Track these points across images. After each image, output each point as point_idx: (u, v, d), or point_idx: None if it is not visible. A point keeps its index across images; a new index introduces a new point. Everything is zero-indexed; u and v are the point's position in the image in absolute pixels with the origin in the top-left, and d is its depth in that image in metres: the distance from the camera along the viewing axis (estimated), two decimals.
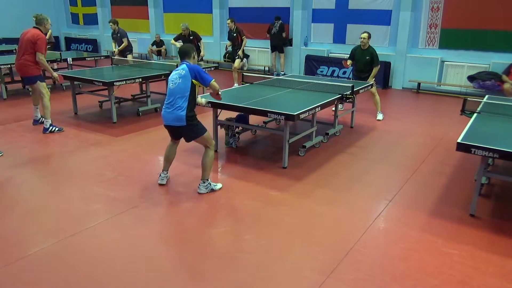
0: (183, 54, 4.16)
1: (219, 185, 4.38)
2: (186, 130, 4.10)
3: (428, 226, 3.65)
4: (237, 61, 9.90)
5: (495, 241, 3.43)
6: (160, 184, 4.45)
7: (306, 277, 2.92)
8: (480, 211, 3.90)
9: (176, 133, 4.26)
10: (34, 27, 6.07)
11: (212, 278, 2.90)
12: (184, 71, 4.00)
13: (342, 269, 3.01)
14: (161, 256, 3.16)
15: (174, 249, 3.27)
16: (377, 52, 7.13)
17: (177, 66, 4.25)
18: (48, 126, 6.20)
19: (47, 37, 11.40)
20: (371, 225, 3.66)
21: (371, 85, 6.93)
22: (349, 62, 7.29)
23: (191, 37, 9.59)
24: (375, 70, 7.13)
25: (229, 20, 9.72)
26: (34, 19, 6.13)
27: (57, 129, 6.26)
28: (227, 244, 3.33)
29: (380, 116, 7.38)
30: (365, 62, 7.16)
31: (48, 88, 9.21)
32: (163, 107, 4.12)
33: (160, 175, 4.49)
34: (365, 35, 7.08)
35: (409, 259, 3.15)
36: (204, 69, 4.22)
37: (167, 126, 4.20)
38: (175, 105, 3.99)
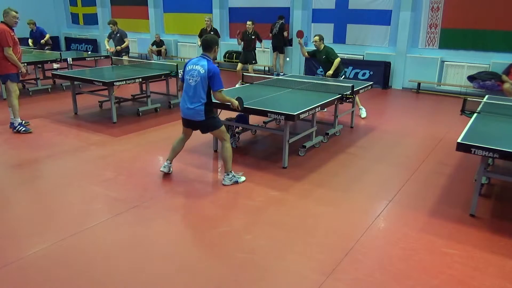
0: (205, 46, 4.18)
1: (243, 178, 4.50)
2: (205, 124, 4.26)
3: (428, 226, 3.65)
4: (251, 66, 10.16)
5: (495, 241, 3.43)
6: (162, 172, 4.61)
7: (306, 277, 2.92)
8: (480, 211, 3.90)
9: (193, 126, 4.38)
10: (1, 21, 5.89)
11: (212, 278, 2.90)
12: (204, 71, 4.07)
13: (342, 269, 3.01)
14: (161, 256, 3.16)
15: (174, 249, 3.27)
16: (332, 48, 7.40)
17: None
18: (17, 125, 6.15)
19: (45, 38, 11.47)
20: (371, 225, 3.66)
21: (371, 85, 6.92)
22: (304, 51, 7.62)
23: (212, 32, 9.93)
24: (335, 62, 7.25)
25: (250, 22, 10.01)
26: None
27: (23, 129, 6.18)
28: (227, 244, 3.33)
29: (363, 113, 7.53)
30: (323, 62, 7.47)
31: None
32: (182, 99, 4.24)
33: (164, 164, 4.64)
34: (316, 38, 7.36)
35: (409, 259, 3.15)
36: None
37: (185, 120, 4.33)
38: (195, 101, 4.13)
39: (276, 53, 12.14)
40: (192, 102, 4.16)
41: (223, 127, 4.38)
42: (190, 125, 4.40)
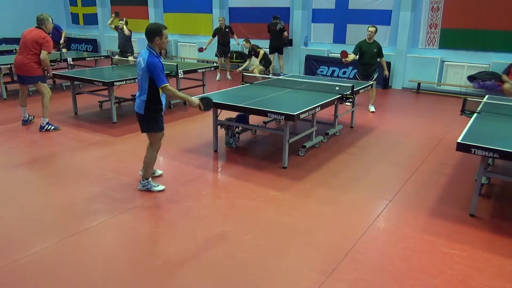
0: (146, 35, 3.84)
1: (160, 187, 4.26)
2: (143, 119, 4.03)
3: (428, 226, 3.65)
4: (226, 60, 11.19)
5: (495, 241, 3.43)
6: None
7: (306, 277, 2.92)
8: (480, 211, 3.90)
9: (138, 119, 4.12)
10: (36, 27, 6.07)
11: (212, 277, 2.90)
12: (143, 64, 3.78)
13: (342, 269, 3.01)
14: (161, 256, 3.16)
15: (174, 249, 3.27)
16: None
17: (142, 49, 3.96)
18: (44, 124, 6.23)
19: (62, 38, 11.66)
20: (371, 225, 3.66)
21: (371, 85, 6.93)
22: (351, 57, 7.56)
23: (227, 30, 10.88)
24: (384, 62, 7.78)
25: (244, 42, 10.47)
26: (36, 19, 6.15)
27: (53, 127, 6.29)
28: (227, 244, 3.33)
29: (372, 108, 7.91)
30: (373, 55, 7.58)
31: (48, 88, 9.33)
32: None
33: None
34: (373, 28, 7.56)
35: (409, 259, 3.15)
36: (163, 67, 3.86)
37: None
38: (138, 94, 3.97)
39: (274, 54, 11.94)
40: (139, 94, 3.95)
41: (158, 135, 4.12)
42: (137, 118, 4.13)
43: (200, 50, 10.97)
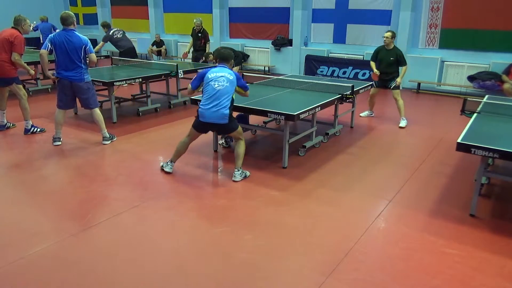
0: (222, 59, 4.60)
1: (249, 173, 4.73)
2: (226, 126, 4.48)
3: (428, 226, 3.65)
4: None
5: (495, 241, 3.43)
6: (167, 172, 4.71)
7: (306, 277, 2.92)
8: (480, 211, 3.90)
9: (213, 129, 4.65)
10: (12, 27, 5.94)
11: (212, 277, 2.90)
12: (232, 77, 4.43)
13: (342, 269, 3.01)
14: (161, 256, 3.16)
15: (174, 249, 3.27)
16: (401, 51, 6.95)
17: (214, 65, 4.63)
18: (29, 127, 6.13)
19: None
20: (371, 225, 3.66)
21: (371, 85, 6.93)
22: (377, 71, 6.92)
23: (200, 35, 9.72)
24: (404, 69, 6.85)
25: (207, 59, 9.16)
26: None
27: (39, 129, 6.21)
28: (227, 244, 3.33)
29: (403, 123, 6.92)
30: (389, 63, 6.85)
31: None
32: (203, 105, 4.40)
33: (168, 163, 4.76)
34: (388, 34, 6.82)
35: (409, 259, 3.15)
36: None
37: (206, 124, 4.47)
38: (220, 105, 4.34)
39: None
40: (217, 106, 4.34)
41: (239, 128, 4.62)
42: (209, 128, 4.58)
43: (184, 56, 10.19)
